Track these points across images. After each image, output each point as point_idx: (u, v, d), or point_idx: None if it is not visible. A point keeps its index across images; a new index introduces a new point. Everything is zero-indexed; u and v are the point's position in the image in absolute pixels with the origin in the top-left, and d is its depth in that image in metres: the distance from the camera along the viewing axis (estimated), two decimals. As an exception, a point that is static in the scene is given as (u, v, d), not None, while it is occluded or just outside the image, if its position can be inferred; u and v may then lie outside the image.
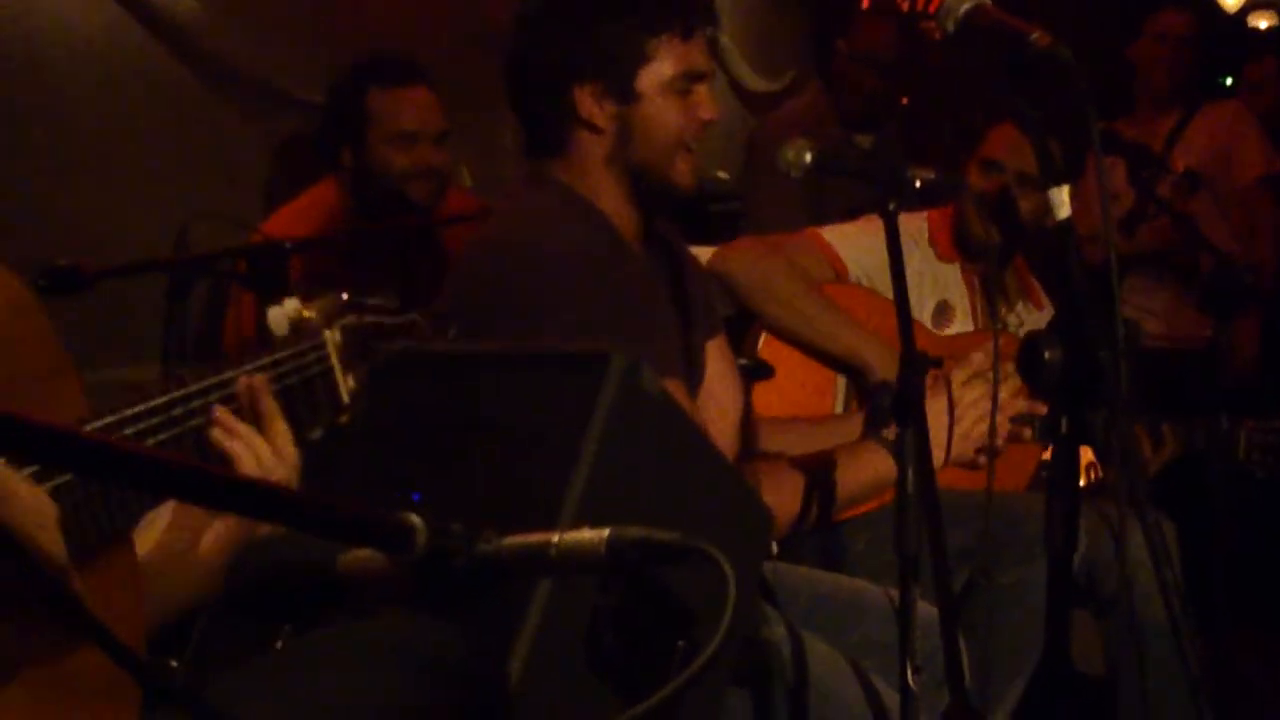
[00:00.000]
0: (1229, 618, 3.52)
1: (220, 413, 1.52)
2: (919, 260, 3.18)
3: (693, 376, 2.45)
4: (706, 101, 2.37)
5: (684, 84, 2.34)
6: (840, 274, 3.15)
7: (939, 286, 3.21)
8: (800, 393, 3.00)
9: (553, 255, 2.25)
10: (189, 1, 3.75)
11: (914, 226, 3.23)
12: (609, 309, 2.22)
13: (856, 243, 3.17)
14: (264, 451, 1.53)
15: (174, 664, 1.73)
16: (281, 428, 1.56)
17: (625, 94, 2.32)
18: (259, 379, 1.56)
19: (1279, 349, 4.78)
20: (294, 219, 3.38)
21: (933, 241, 3.23)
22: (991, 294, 3.18)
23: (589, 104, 2.32)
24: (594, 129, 2.34)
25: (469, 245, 2.51)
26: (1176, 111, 4.69)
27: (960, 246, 3.22)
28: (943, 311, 3.19)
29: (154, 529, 1.57)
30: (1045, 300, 3.29)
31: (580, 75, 2.31)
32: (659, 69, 2.32)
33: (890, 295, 3.04)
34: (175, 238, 3.10)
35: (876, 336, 2.98)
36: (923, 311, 3.16)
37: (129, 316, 3.39)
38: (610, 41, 2.31)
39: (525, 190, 2.43)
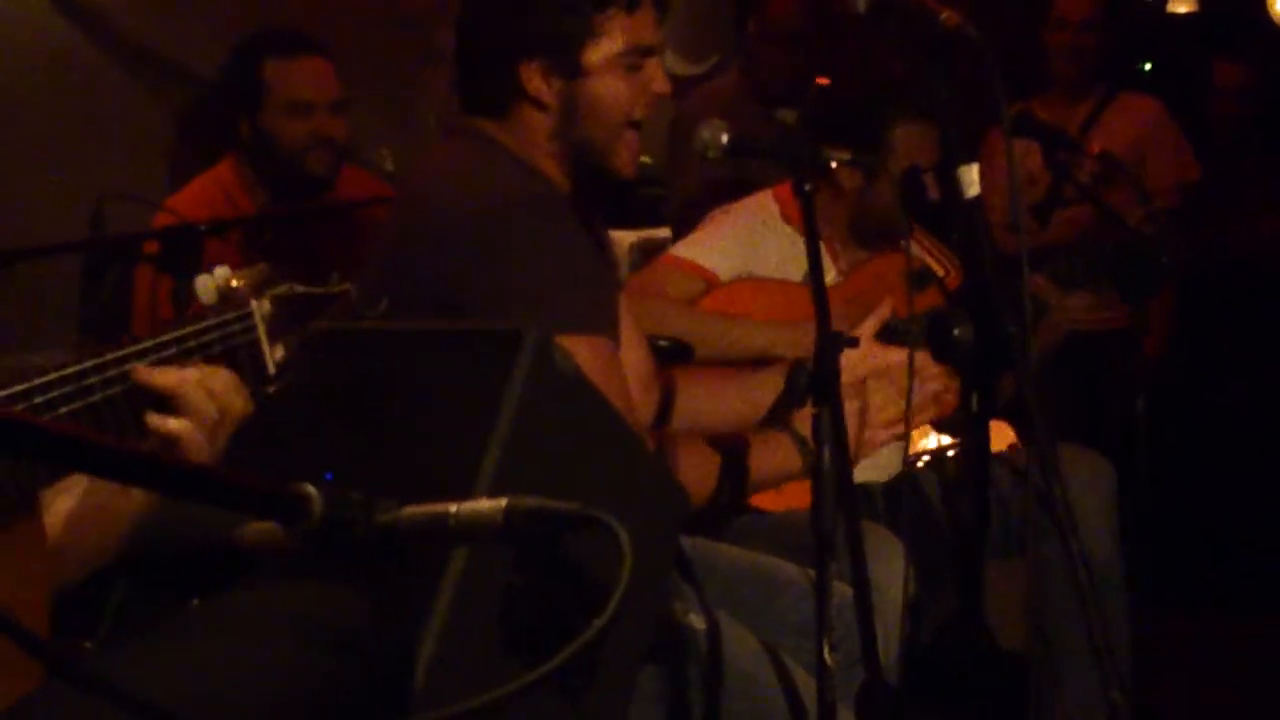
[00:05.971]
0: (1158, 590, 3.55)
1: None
2: (778, 239, 3.19)
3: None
4: (657, 75, 2.34)
5: (633, 59, 2.31)
6: (711, 283, 3.16)
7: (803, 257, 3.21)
8: None
9: (507, 199, 2.21)
10: (99, -21, 3.71)
11: (764, 210, 3.24)
12: (567, 252, 2.20)
13: (715, 247, 3.20)
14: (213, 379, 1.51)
15: (87, 645, 1.70)
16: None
17: (572, 70, 2.28)
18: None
19: (1193, 331, 4.83)
20: (194, 198, 3.35)
21: (786, 217, 3.22)
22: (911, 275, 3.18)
23: (536, 81, 2.29)
24: (540, 105, 2.30)
25: (398, 208, 2.45)
26: (1092, 98, 4.61)
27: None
28: None
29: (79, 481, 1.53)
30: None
31: (527, 52, 2.28)
32: (607, 45, 2.28)
33: (769, 275, 3.12)
34: (90, 218, 3.05)
35: (777, 323, 3.00)
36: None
37: (44, 299, 3.34)
38: (556, 18, 2.27)
39: (458, 144, 2.38)
